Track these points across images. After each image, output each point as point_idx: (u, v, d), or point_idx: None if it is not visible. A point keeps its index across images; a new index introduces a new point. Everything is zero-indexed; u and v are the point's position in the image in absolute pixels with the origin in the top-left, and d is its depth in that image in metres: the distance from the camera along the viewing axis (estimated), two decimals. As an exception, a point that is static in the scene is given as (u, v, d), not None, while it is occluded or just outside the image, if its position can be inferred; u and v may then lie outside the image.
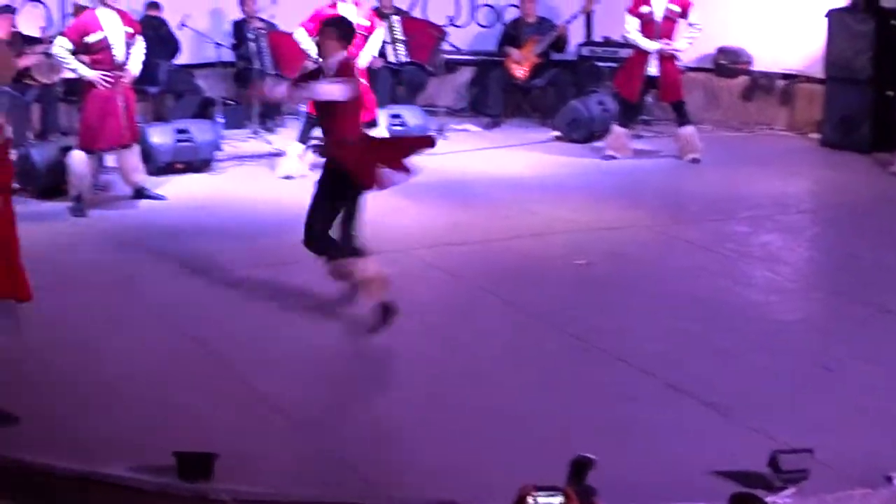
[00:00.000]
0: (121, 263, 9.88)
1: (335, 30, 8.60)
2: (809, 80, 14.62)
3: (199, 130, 12.71)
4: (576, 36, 15.41)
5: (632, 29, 13.16)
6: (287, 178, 12.24)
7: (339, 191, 8.64)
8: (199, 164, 12.61)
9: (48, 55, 11.95)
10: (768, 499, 5.89)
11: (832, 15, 13.96)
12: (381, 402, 7.62)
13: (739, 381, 7.82)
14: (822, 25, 14.04)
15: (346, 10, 12.07)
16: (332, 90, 8.39)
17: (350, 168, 8.43)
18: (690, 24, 13.16)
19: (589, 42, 15.49)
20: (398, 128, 13.09)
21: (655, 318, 8.98)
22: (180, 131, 12.55)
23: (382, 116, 12.75)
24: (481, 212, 11.47)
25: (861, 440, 6.95)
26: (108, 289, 9.28)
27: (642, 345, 8.42)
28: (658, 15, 13.04)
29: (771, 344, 8.53)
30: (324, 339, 8.44)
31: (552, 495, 4.98)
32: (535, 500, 5.12)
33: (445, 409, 7.37)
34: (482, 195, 11.95)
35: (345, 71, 8.50)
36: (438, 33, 15.08)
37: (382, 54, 13.91)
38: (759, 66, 15.07)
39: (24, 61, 12.48)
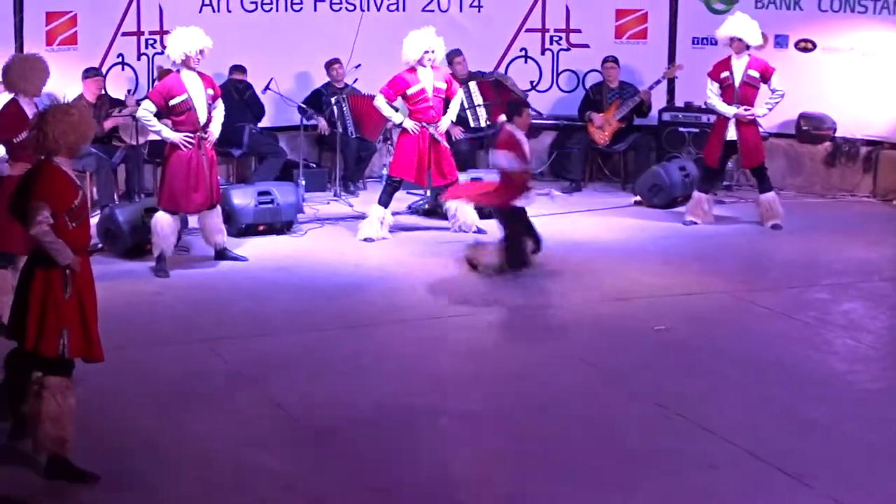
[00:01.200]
0: (200, 323, 9.98)
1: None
2: (893, 146, 14.50)
3: (281, 193, 12.76)
4: (658, 101, 15.36)
5: (712, 94, 13.13)
6: (367, 240, 12.29)
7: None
8: (280, 225, 12.65)
9: (134, 118, 12.14)
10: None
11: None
12: (466, 462, 7.58)
13: (823, 450, 7.74)
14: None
15: (424, 75, 12.20)
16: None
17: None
18: (773, 90, 13.10)
19: (671, 107, 15.44)
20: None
21: (736, 386, 8.90)
22: (262, 193, 12.62)
23: (463, 180, 12.81)
24: (561, 276, 11.46)
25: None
26: (188, 347, 9.33)
27: (723, 411, 8.35)
28: (737, 80, 13.01)
29: (855, 413, 8.43)
30: (400, 399, 8.42)
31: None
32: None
33: (529, 470, 7.37)
34: (562, 260, 11.90)
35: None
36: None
37: (463, 121, 13.97)
38: (842, 132, 14.94)
39: (111, 123, 12.69)
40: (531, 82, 15.61)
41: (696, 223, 13.28)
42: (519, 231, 11.31)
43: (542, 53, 15.76)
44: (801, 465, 7.37)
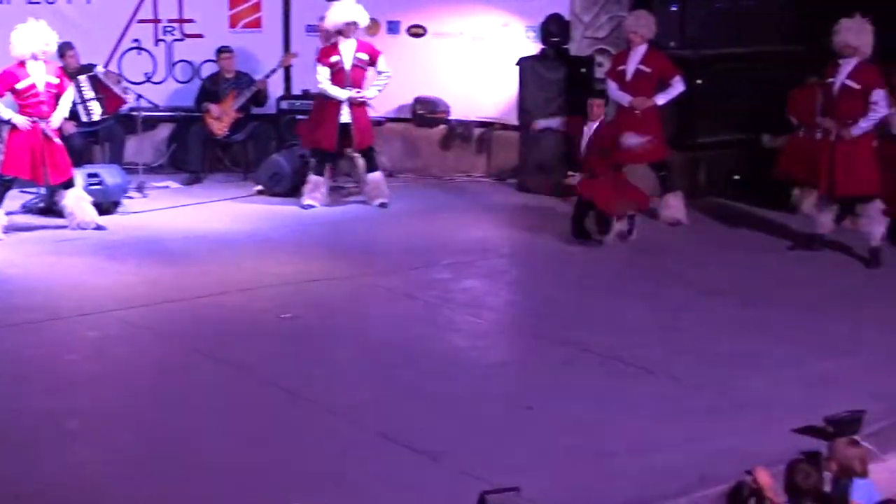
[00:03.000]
0: None
1: None
2: (505, 127, 14.95)
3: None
4: (275, 89, 15.39)
5: (323, 79, 13.33)
6: None
7: None
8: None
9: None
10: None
11: (523, 63, 14.35)
12: (94, 465, 7.41)
13: (449, 426, 7.93)
14: (515, 74, 14.43)
15: (35, 69, 11.89)
16: None
17: None
18: (379, 72, 13.47)
19: (288, 95, 15.49)
20: (96, 187, 12.83)
21: (364, 368, 9.07)
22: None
23: (79, 176, 12.54)
24: (186, 269, 11.34)
25: (565, 476, 7.18)
26: None
27: (353, 394, 8.48)
28: (347, 64, 13.28)
29: (477, 388, 8.68)
30: (23, 403, 8.18)
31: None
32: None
33: (159, 468, 7.26)
34: (186, 252, 11.82)
35: None
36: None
37: (75, 115, 13.62)
38: (455, 114, 15.30)
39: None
40: (146, 74, 15.31)
41: (314, 206, 13.47)
42: None
43: (156, 44, 15.50)
44: (430, 443, 7.54)
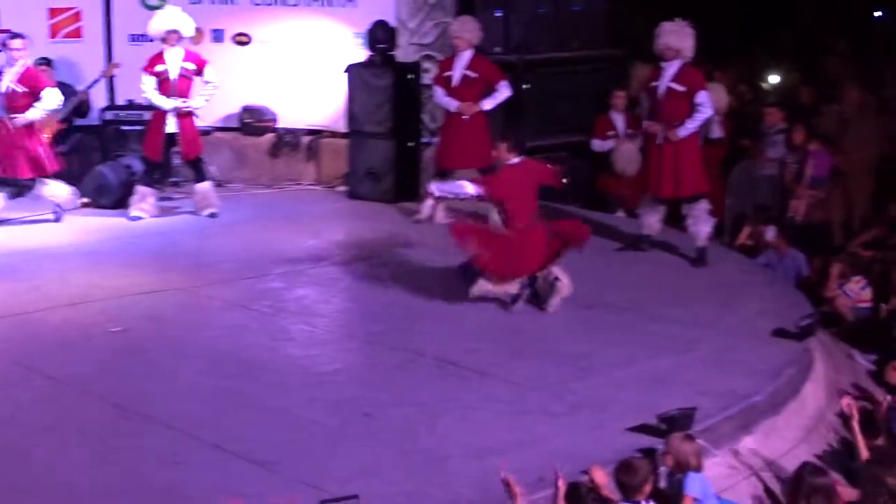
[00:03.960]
0: None
1: None
2: (334, 134, 14.99)
3: None
4: (98, 100, 15.17)
5: (148, 88, 13.22)
6: None
7: None
8: None
9: None
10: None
11: (351, 71, 14.36)
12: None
13: (285, 435, 7.91)
14: (343, 81, 14.43)
15: None
16: None
17: None
18: (206, 82, 13.37)
19: (112, 106, 15.28)
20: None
21: (197, 380, 8.95)
22: None
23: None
24: (10, 284, 11.07)
25: (403, 481, 7.19)
26: None
27: (186, 407, 8.38)
28: (173, 74, 13.17)
29: (313, 395, 8.66)
30: None
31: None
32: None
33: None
34: (10, 267, 11.57)
35: None
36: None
37: None
38: (284, 123, 15.28)
39: None
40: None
41: (141, 217, 13.32)
42: None
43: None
44: (266, 453, 7.52)
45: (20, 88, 12.41)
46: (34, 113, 12.46)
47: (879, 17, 19.24)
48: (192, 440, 7.81)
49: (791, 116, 14.29)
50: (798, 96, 15.65)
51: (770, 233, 12.67)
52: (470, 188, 10.14)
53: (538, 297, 10.31)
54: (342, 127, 14.69)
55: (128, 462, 7.47)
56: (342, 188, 14.73)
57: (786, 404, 8.85)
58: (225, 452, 7.62)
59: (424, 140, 14.26)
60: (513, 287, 10.23)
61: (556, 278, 10.11)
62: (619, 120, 13.88)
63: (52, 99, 12.63)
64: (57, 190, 13.06)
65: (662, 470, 7.26)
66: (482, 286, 10.23)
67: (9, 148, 12.62)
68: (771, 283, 11.53)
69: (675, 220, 12.38)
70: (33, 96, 12.44)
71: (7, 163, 12.73)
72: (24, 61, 12.68)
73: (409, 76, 14.22)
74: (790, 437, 8.57)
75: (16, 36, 13.07)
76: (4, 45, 12.80)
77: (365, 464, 7.42)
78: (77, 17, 15.55)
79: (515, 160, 10.27)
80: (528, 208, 10.19)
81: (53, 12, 15.44)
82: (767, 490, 7.83)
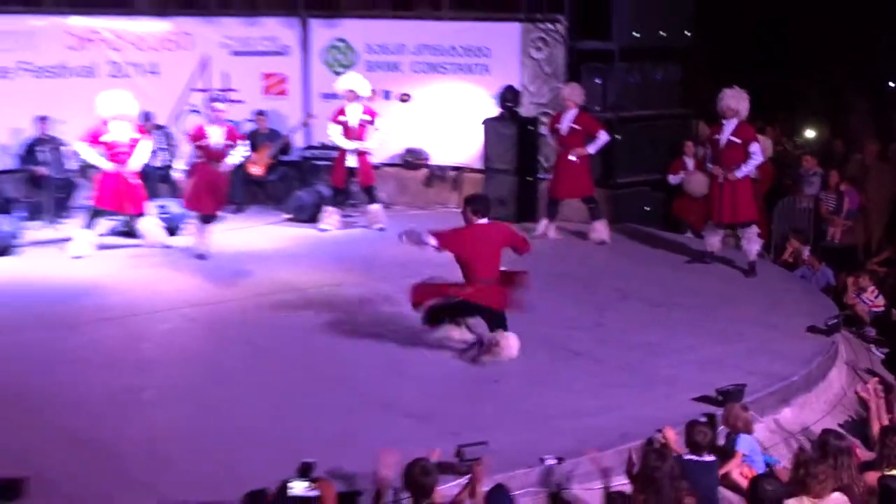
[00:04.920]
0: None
1: None
2: (473, 170, 14.94)
3: (2, 223, 12.23)
4: (299, 142, 15.39)
5: (334, 133, 13.36)
6: (77, 257, 11.78)
7: None
8: (2, 248, 11.99)
9: None
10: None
11: (486, 123, 14.40)
12: (162, 425, 7.37)
13: (431, 397, 8.01)
14: (481, 130, 14.46)
15: (116, 127, 11.83)
16: None
17: None
18: (377, 129, 13.49)
19: (309, 146, 15.47)
20: (164, 215, 12.76)
21: (368, 349, 9.07)
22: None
23: (151, 207, 12.48)
24: (232, 278, 11.27)
25: (519, 433, 7.23)
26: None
27: (358, 371, 8.51)
28: (353, 122, 13.31)
29: (450, 366, 8.75)
30: (111, 379, 8.16)
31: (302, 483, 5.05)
32: (287, 488, 5.12)
33: (206, 428, 7.30)
34: (233, 265, 11.76)
35: None
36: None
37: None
38: (435, 161, 15.32)
39: None
40: (202, 131, 15.26)
41: (328, 230, 13.45)
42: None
43: (209, 106, 15.35)
44: (420, 409, 7.59)
45: (223, 142, 12.18)
46: (232, 159, 12.26)
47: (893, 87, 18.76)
48: (363, 399, 7.91)
49: (823, 163, 14.14)
50: (831, 147, 15.38)
51: (806, 252, 12.50)
52: (432, 240, 8.89)
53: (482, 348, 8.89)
54: (478, 164, 14.67)
55: (308, 414, 7.59)
56: (477, 211, 14.72)
57: (816, 384, 8.74)
58: (389, 408, 7.70)
59: (540, 176, 14.19)
60: (469, 336, 9.00)
61: (497, 343, 8.67)
62: (689, 162, 13.71)
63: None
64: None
65: (720, 431, 7.16)
66: (445, 331, 8.97)
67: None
68: (806, 291, 11.33)
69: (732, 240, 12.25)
70: (231, 146, 12.22)
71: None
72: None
73: (529, 127, 14.19)
74: (819, 409, 8.46)
75: (218, 99, 13.26)
76: (210, 106, 12.82)
77: (491, 419, 7.45)
78: (283, 79, 15.77)
79: (481, 221, 8.80)
80: (488, 267, 8.75)
81: (267, 76, 15.69)
82: (801, 449, 7.67)
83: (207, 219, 12.06)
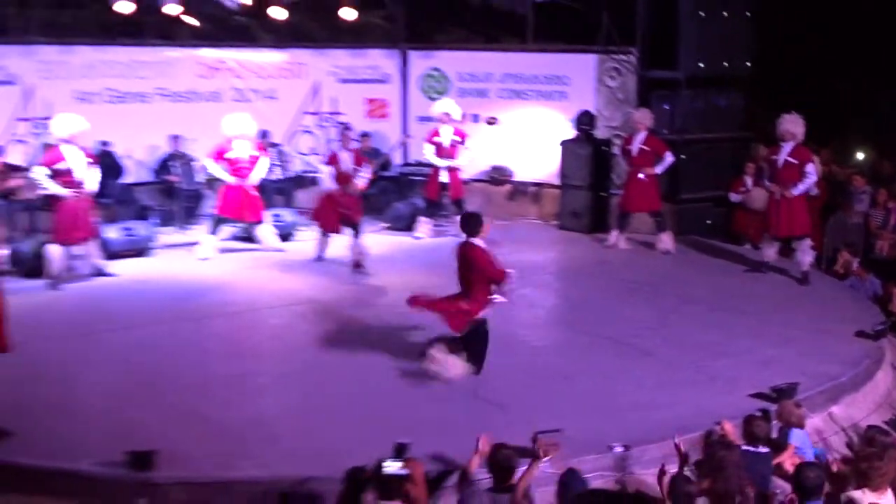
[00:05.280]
0: (82, 320, 9.62)
1: None
2: (551, 186, 14.89)
3: (139, 227, 12.52)
4: (397, 159, 15.50)
5: (428, 152, 13.44)
6: (204, 259, 12.03)
7: None
8: (140, 250, 12.28)
9: (30, 179, 11.56)
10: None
11: (564, 144, 14.33)
12: (275, 407, 7.51)
13: (512, 388, 7.98)
14: (559, 150, 14.40)
15: (239, 144, 12.04)
16: None
17: None
18: (466, 149, 13.53)
19: (406, 164, 15.58)
20: (279, 223, 12.97)
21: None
22: (126, 228, 12.35)
23: (268, 216, 12.69)
24: (337, 279, 11.40)
25: (590, 423, 7.18)
26: (75, 337, 9.01)
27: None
28: (445, 142, 13.40)
29: (530, 360, 8.72)
30: (233, 365, 8.31)
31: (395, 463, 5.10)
32: (381, 466, 5.16)
33: (315, 408, 7.39)
34: (337, 267, 11.87)
35: None
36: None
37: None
38: (518, 177, 15.30)
39: (12, 183, 12.04)
40: (311, 148, 15.38)
41: (422, 237, 13.55)
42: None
43: (319, 127, 15.61)
44: (499, 398, 7.66)
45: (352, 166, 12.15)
46: (360, 182, 12.08)
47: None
48: (452, 388, 7.94)
49: (872, 182, 13.83)
50: (879, 167, 15.02)
51: (855, 264, 12.22)
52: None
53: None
54: (556, 181, 14.62)
55: (404, 401, 7.65)
56: (555, 222, 14.66)
57: (863, 384, 8.54)
58: (474, 398, 7.72)
59: (612, 191, 14.09)
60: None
61: (434, 358, 8.05)
62: (748, 181, 13.48)
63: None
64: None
65: (774, 424, 7.05)
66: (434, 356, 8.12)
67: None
68: (854, 300, 11.07)
69: (787, 252, 12.01)
70: (358, 169, 12.09)
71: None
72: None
73: (602, 148, 14.12)
74: (865, 408, 8.28)
75: (349, 128, 13.42)
76: (343, 133, 12.86)
77: (564, 409, 7.44)
78: (384, 104, 15.89)
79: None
80: (460, 281, 8.24)
81: (370, 101, 15.82)
82: (848, 444, 7.54)
83: (329, 232, 12.11)
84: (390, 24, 16.01)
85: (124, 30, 13.85)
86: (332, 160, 12.10)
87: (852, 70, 16.68)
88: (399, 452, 5.68)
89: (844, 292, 11.45)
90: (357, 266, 11.70)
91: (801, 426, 7.04)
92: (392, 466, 5.27)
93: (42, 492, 6.23)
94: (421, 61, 15.77)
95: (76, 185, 10.73)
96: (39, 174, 10.71)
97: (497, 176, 15.34)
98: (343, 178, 11.99)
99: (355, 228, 11.90)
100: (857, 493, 5.73)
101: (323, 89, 15.48)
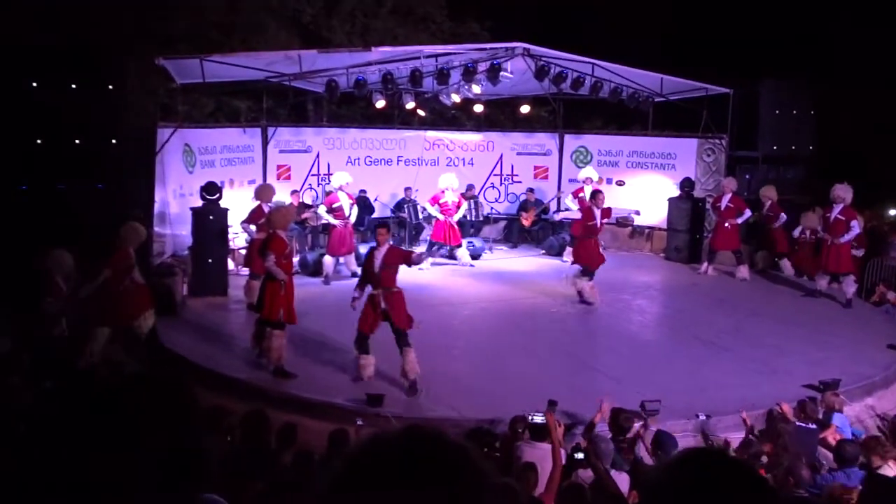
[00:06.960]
0: (342, 307, 9.78)
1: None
2: (660, 229, 14.39)
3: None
4: (552, 206, 15.29)
5: (571, 204, 12.43)
6: (420, 269, 11.82)
7: None
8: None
9: (316, 213, 12.11)
10: (637, 424, 5.76)
11: (670, 201, 13.82)
12: (465, 370, 7.52)
13: (627, 366, 7.71)
14: (667, 204, 13.87)
15: (448, 194, 12.21)
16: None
17: None
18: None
19: (558, 209, 15.25)
20: (471, 247, 13.04)
21: (605, 342, 8.83)
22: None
23: (464, 242, 12.78)
24: (509, 287, 11.33)
25: (683, 397, 6.86)
26: (332, 315, 9.14)
27: (582, 348, 8.25)
28: (586, 198, 12.81)
29: (640, 349, 8.41)
30: (440, 340, 8.30)
31: (540, 415, 4.95)
32: (531, 417, 5.03)
33: (489, 372, 7.32)
34: (511, 279, 11.81)
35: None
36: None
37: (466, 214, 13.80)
38: (636, 222, 14.73)
39: (305, 215, 12.65)
40: (495, 198, 15.48)
41: (567, 262, 12.68)
42: None
43: (501, 184, 15.66)
44: (616, 372, 7.39)
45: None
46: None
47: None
48: (582, 364, 7.73)
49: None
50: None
51: (891, 294, 11.16)
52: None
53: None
54: (664, 225, 14.09)
55: (551, 372, 7.49)
56: (662, 255, 14.12)
57: (893, 383, 7.85)
58: (599, 372, 7.50)
59: (704, 234, 13.44)
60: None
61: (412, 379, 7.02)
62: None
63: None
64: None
65: (820, 409, 6.51)
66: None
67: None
68: (888, 322, 10.14)
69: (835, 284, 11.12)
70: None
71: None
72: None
73: (699, 204, 13.46)
74: (894, 401, 7.57)
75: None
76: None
77: (664, 386, 7.14)
78: (546, 169, 15.62)
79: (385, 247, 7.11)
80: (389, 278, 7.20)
81: (536, 167, 15.56)
82: (879, 427, 6.86)
83: (588, 271, 10.36)
84: (552, 115, 15.88)
85: (379, 118, 14.38)
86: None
87: (892, 152, 15.37)
88: (551, 406, 5.61)
89: (879, 316, 10.50)
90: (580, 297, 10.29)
91: (840, 411, 6.46)
92: (538, 417, 5.16)
93: (308, 415, 6.48)
94: (573, 141, 15.54)
95: (344, 217, 11.16)
96: (322, 210, 11.23)
97: (621, 220, 14.80)
98: (595, 231, 10.47)
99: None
100: (886, 466, 5.21)
101: (504, 159, 15.51)
